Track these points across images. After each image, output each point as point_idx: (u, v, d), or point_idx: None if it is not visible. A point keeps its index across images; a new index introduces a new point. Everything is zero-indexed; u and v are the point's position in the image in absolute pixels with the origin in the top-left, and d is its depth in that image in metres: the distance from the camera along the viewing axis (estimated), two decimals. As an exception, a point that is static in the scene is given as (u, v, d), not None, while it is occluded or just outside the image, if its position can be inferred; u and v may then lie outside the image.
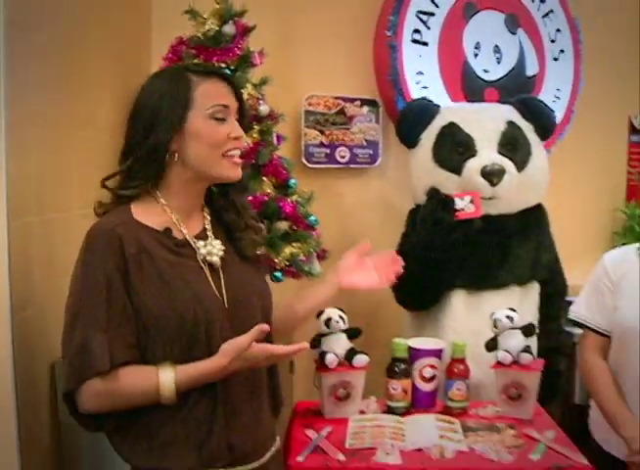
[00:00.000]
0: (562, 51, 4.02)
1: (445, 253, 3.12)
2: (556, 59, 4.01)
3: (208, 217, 1.88)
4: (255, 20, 3.12)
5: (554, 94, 4.00)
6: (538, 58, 3.97)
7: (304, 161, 3.78)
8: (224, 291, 1.78)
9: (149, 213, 1.76)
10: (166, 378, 1.65)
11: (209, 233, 1.85)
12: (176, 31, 3.09)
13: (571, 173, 4.20)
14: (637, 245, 2.47)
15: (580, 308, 2.57)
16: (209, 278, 1.78)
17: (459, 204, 3.08)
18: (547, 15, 3.97)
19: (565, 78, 4.05)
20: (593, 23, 4.17)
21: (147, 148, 1.72)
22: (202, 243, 1.80)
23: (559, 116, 3.95)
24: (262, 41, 3.17)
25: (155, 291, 1.68)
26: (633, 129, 4.57)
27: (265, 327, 1.70)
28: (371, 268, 2.15)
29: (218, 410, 1.72)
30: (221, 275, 1.80)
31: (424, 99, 3.52)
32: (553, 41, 4.00)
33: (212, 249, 1.80)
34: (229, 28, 2.98)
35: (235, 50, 2.95)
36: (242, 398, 1.78)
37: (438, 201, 3.14)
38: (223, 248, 1.83)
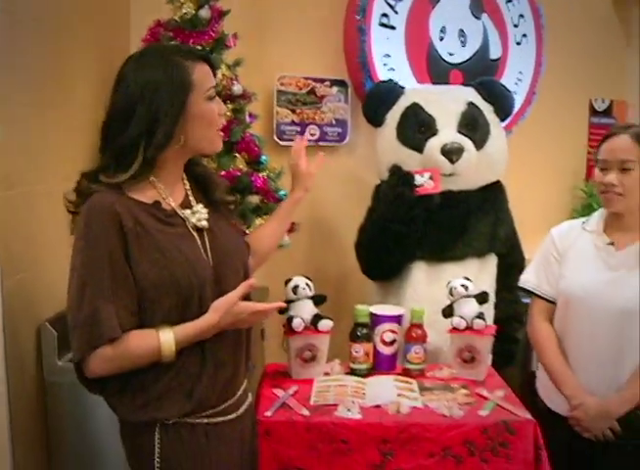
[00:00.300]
0: (524, 36, 4.18)
1: (406, 226, 3.27)
2: (519, 43, 4.18)
3: (188, 184, 2.01)
4: (229, 4, 3.22)
5: (516, 77, 4.18)
6: (502, 42, 4.13)
7: (276, 138, 3.92)
8: (209, 252, 1.93)
9: (138, 189, 1.86)
10: (166, 339, 1.80)
11: (191, 198, 1.98)
12: (154, 14, 3.19)
13: (534, 153, 4.37)
14: (583, 219, 2.66)
15: (530, 277, 2.74)
16: (199, 243, 1.92)
17: (419, 180, 3.24)
18: (511, 0, 4.12)
19: (527, 62, 4.21)
20: (556, 9, 4.33)
21: (158, 137, 1.81)
22: (189, 211, 1.93)
23: (521, 97, 4.17)
24: (236, 24, 3.29)
25: (152, 260, 1.80)
26: (594, 111, 4.76)
27: (252, 282, 1.89)
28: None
29: (207, 362, 1.88)
30: (206, 237, 1.95)
31: (390, 81, 3.64)
32: (516, 26, 4.16)
33: (200, 215, 1.94)
34: (205, 12, 3.08)
35: (210, 33, 3.06)
36: (227, 351, 1.94)
37: (399, 177, 3.30)
38: (207, 210, 1.97)
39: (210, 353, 1.89)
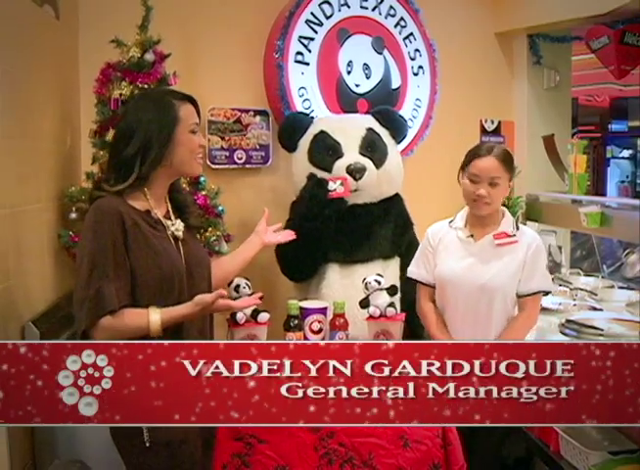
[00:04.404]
0: (420, 67, 4.56)
1: (321, 223, 3.67)
2: (416, 74, 4.54)
3: (169, 204, 2.48)
4: (168, 47, 3.50)
5: (415, 103, 4.54)
6: (401, 73, 4.47)
7: (209, 162, 4.19)
8: (183, 256, 2.40)
9: (135, 198, 2.35)
10: (154, 318, 2.24)
11: (171, 214, 2.46)
12: (100, 55, 3.44)
13: (433, 169, 4.79)
14: (449, 219, 3.27)
15: (412, 269, 3.35)
16: (175, 247, 2.39)
17: (332, 186, 3.65)
18: (407, 37, 4.49)
19: (423, 90, 4.57)
20: (447, 43, 4.78)
21: (151, 157, 2.31)
22: (170, 222, 2.41)
23: (419, 121, 4.55)
24: (173, 64, 3.57)
25: (144, 253, 2.27)
26: (484, 131, 5.26)
27: (223, 292, 2.36)
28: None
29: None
30: (181, 245, 2.42)
31: (300, 113, 4.06)
32: (413, 59, 4.53)
33: (178, 226, 2.42)
34: (149, 56, 3.34)
35: (155, 74, 3.35)
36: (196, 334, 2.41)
37: (315, 182, 3.72)
38: (184, 225, 2.45)
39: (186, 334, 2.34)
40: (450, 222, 3.26)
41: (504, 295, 3.09)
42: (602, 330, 3.49)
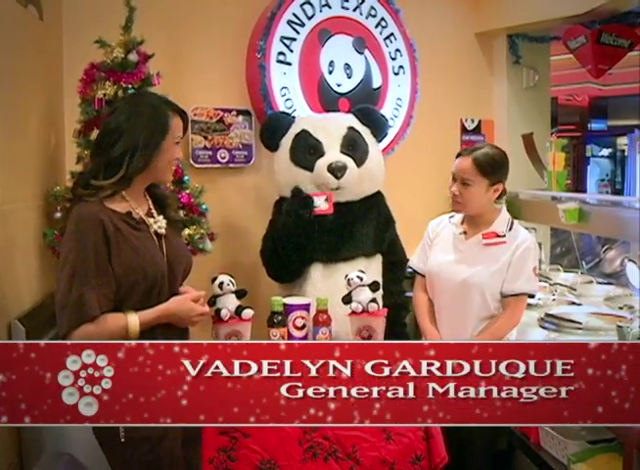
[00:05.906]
0: (401, 67, 4.62)
1: (303, 237, 3.73)
2: (396, 74, 4.60)
3: (150, 199, 2.52)
4: (152, 48, 3.52)
5: (396, 102, 4.60)
6: (382, 73, 4.53)
7: (192, 161, 4.24)
8: (165, 253, 2.44)
9: (114, 201, 2.38)
10: (132, 320, 2.30)
11: (153, 211, 2.50)
12: (86, 57, 3.45)
13: (414, 167, 4.88)
14: (451, 214, 3.35)
15: (413, 259, 3.48)
16: (157, 245, 2.43)
17: (316, 202, 3.69)
18: (388, 37, 4.55)
19: (404, 90, 4.64)
20: (428, 43, 4.85)
21: (136, 161, 2.34)
22: (152, 220, 2.45)
23: (399, 121, 4.61)
24: (157, 64, 3.58)
25: (127, 257, 2.30)
26: (464, 130, 5.36)
27: (203, 293, 2.53)
28: None
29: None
30: (163, 242, 2.46)
31: (282, 112, 4.09)
32: (394, 59, 4.58)
33: (160, 223, 2.46)
34: (133, 56, 3.37)
35: (139, 74, 3.37)
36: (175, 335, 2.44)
37: (300, 199, 3.73)
38: (165, 221, 2.49)
39: (162, 337, 2.35)
40: (451, 217, 3.38)
41: (483, 292, 3.17)
42: (580, 323, 3.54)
